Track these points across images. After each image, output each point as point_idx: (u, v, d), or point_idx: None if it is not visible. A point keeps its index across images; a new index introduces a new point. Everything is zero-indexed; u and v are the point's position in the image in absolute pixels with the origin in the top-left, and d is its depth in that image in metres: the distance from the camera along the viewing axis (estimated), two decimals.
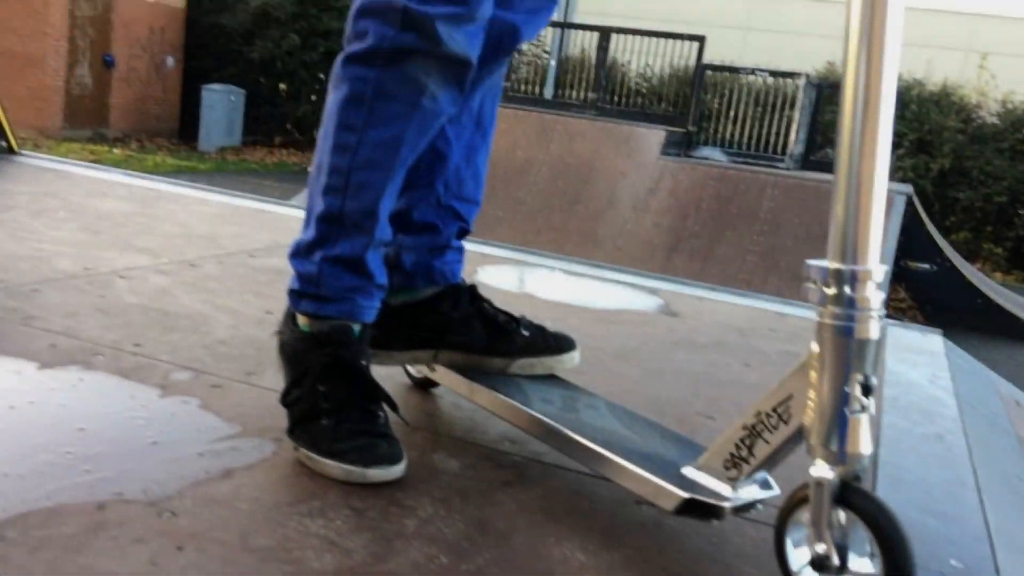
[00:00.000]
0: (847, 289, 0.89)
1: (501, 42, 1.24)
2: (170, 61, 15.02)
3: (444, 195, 1.34)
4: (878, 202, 0.91)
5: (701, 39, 10.64)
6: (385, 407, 1.19)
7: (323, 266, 1.19)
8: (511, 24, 1.24)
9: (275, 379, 1.34)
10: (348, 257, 1.19)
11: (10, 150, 3.23)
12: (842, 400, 0.90)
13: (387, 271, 1.26)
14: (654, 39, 11.33)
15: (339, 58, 1.17)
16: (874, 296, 0.90)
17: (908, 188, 8.68)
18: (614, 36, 11.29)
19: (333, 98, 1.18)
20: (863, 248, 0.90)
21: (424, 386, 1.50)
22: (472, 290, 1.38)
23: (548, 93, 11.71)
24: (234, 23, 15.10)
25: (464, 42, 1.13)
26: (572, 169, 10.25)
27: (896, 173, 11.58)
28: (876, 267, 0.90)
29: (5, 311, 1.55)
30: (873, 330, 0.90)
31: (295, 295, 1.23)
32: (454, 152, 1.33)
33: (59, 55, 12.88)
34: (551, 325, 1.42)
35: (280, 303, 1.81)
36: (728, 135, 11.04)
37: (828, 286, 0.90)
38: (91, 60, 13.49)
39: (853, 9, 0.90)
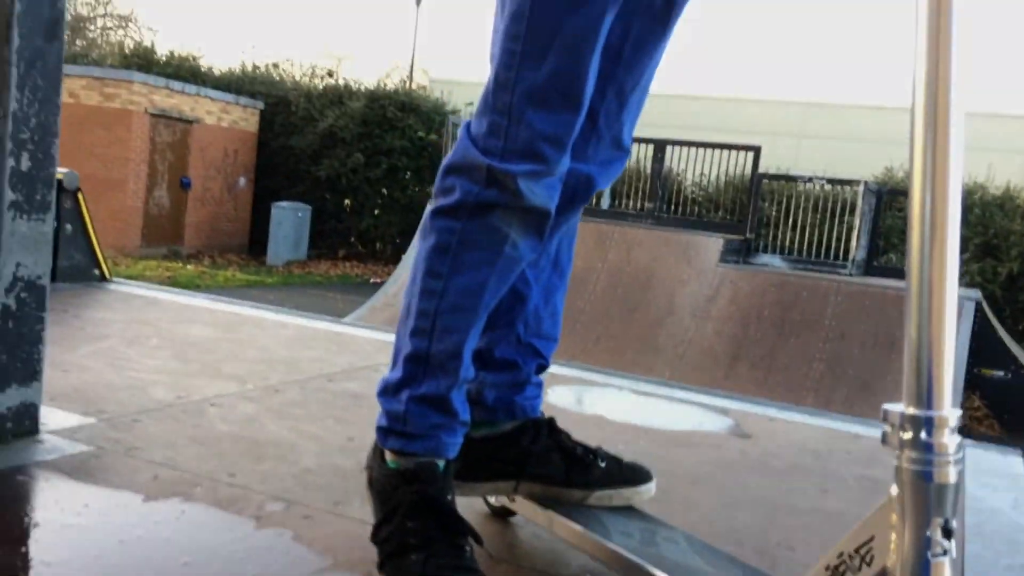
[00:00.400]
0: (924, 435, 0.92)
1: (577, 192, 1.34)
2: (242, 181, 15.76)
3: (524, 334, 1.41)
4: (949, 348, 0.95)
5: (756, 149, 10.78)
6: (471, 540, 1.23)
7: (410, 405, 1.26)
8: (586, 175, 1.34)
9: (362, 509, 1.40)
10: (433, 396, 1.26)
11: (103, 278, 3.43)
12: (924, 544, 0.92)
13: (469, 406, 1.32)
14: (709, 149, 11.54)
15: (428, 211, 1.27)
16: (951, 441, 0.93)
17: (977, 293, 8.53)
18: (669, 147, 11.53)
19: (422, 247, 1.27)
20: (938, 394, 0.94)
21: (503, 515, 1.54)
22: (551, 423, 1.44)
23: (605, 203, 11.91)
24: (303, 144, 15.84)
25: (544, 195, 1.22)
26: (630, 277, 10.33)
27: (963, 278, 11.41)
28: (951, 412, 0.93)
29: (110, 443, 1.65)
30: (951, 475, 0.92)
31: (383, 432, 1.29)
32: (533, 293, 1.40)
33: (139, 178, 13.63)
34: (623, 448, 1.46)
35: (359, 428, 1.87)
36: (787, 242, 11.04)
37: (905, 431, 0.94)
38: (169, 182, 14.24)
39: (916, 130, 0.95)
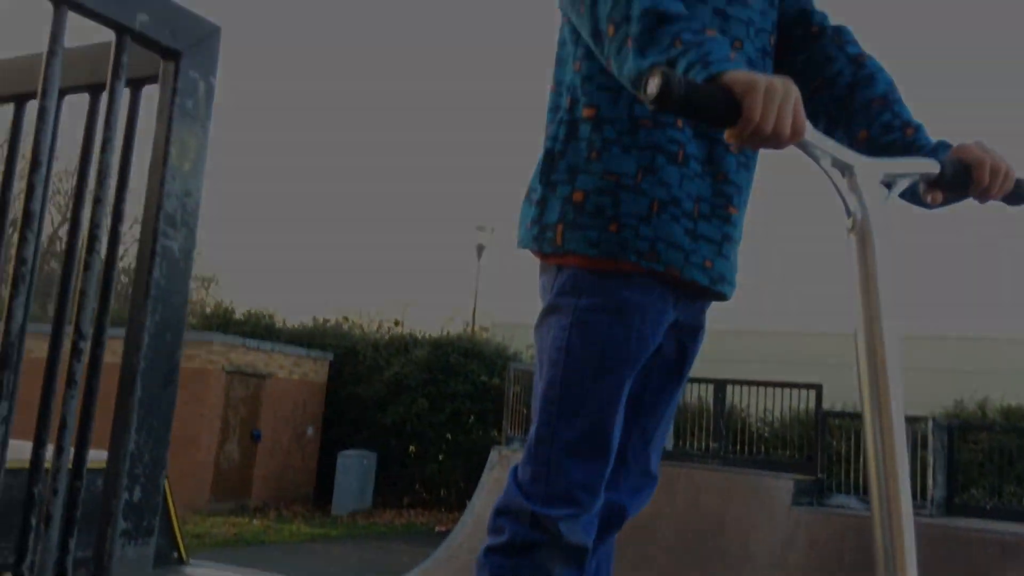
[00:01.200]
0: None
1: (611, 520, 1.49)
2: (310, 431, 16.11)
3: None
4: None
5: (818, 388, 10.70)
6: None
7: None
8: (619, 505, 1.50)
9: None
10: None
11: (180, 559, 3.59)
12: None
13: None
14: (770, 388, 11.52)
15: (482, 547, 1.43)
16: None
17: None
18: (729, 386, 11.57)
19: None
20: None
21: None
22: None
23: (669, 444, 11.79)
24: (369, 392, 16.29)
25: (582, 533, 1.38)
26: (700, 523, 10.03)
27: None
28: None
29: None
30: None
31: None
32: None
33: (212, 433, 14.03)
34: None
35: None
36: (861, 480, 10.69)
37: None
38: (240, 435, 14.63)
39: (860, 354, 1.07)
